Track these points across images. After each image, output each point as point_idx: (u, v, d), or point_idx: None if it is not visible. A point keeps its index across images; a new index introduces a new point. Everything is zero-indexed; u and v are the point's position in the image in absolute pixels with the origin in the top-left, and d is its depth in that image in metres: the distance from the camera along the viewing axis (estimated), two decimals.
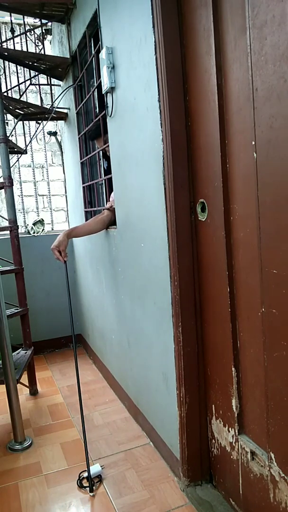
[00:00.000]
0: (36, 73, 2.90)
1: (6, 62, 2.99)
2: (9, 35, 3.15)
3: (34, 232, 3.22)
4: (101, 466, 1.68)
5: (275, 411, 1.11)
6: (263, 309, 1.12)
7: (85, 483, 1.61)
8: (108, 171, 2.20)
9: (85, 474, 1.63)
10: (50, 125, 3.44)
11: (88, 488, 1.57)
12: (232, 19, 1.11)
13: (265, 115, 1.01)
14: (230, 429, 1.36)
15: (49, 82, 3.01)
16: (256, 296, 1.15)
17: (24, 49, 3.22)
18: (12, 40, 3.06)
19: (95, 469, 1.65)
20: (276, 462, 1.13)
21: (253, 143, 1.07)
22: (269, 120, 1.00)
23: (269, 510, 1.19)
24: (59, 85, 3.13)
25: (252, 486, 1.27)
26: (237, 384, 1.30)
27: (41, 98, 3.02)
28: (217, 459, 1.48)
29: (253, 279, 1.16)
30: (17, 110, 2.82)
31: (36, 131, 3.14)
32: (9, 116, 3.05)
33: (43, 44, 3.06)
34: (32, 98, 3.78)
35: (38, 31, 3.18)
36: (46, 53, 3.00)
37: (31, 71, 2.87)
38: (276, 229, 1.03)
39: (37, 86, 3.14)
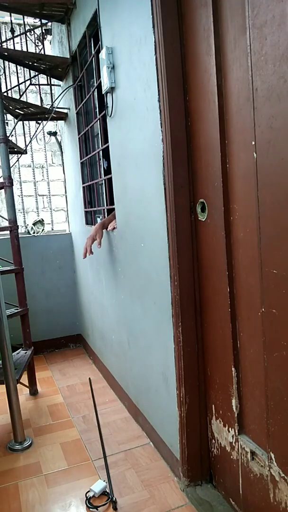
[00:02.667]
0: (36, 73, 2.90)
1: (6, 62, 2.98)
2: (9, 35, 3.15)
3: (34, 232, 3.22)
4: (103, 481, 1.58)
5: (275, 411, 1.11)
6: (263, 309, 1.12)
7: (94, 502, 1.50)
8: (108, 171, 2.20)
9: (91, 494, 1.53)
10: (50, 125, 3.44)
11: (99, 509, 1.47)
12: (232, 19, 1.11)
13: (265, 115, 1.01)
14: (230, 429, 1.36)
15: (49, 82, 3.01)
16: (256, 296, 1.15)
17: (24, 49, 3.22)
18: (12, 40, 3.06)
19: (99, 486, 1.54)
20: (276, 462, 1.13)
21: (253, 143, 1.07)
22: (269, 120, 1.00)
23: (269, 510, 1.19)
24: (59, 85, 3.13)
25: (252, 486, 1.27)
26: (237, 384, 1.30)
27: (41, 98, 3.02)
28: (217, 459, 1.48)
29: (253, 279, 1.16)
30: (17, 110, 2.82)
31: (36, 131, 3.14)
32: (9, 116, 3.05)
33: (43, 44, 3.06)
34: (32, 98, 3.78)
35: (38, 31, 3.18)
36: (46, 53, 3.00)
37: (31, 71, 2.87)
38: (276, 229, 1.03)
39: (37, 86, 3.14)
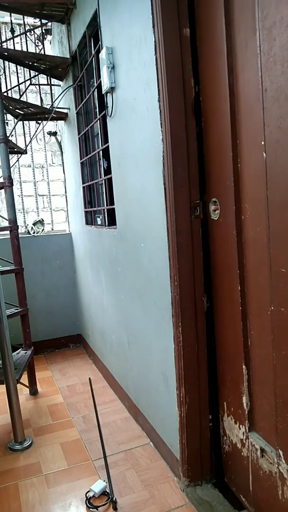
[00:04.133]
0: (36, 73, 2.90)
1: (6, 62, 2.98)
2: (9, 35, 3.15)
3: (34, 232, 3.22)
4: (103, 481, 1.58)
5: (284, 408, 1.12)
6: (272, 308, 1.13)
7: (94, 502, 1.50)
8: (108, 171, 2.20)
9: (91, 494, 1.53)
10: (50, 125, 3.44)
11: (99, 509, 1.48)
12: (243, 20, 1.12)
13: (273, 116, 1.02)
14: (240, 426, 1.37)
15: (49, 82, 3.01)
16: (266, 294, 1.16)
17: (24, 49, 3.22)
18: (12, 40, 3.06)
19: (99, 486, 1.54)
20: (284, 460, 1.14)
21: (263, 143, 1.08)
22: (278, 120, 1.01)
23: (278, 507, 1.19)
24: (59, 85, 3.13)
25: (261, 483, 1.28)
26: (247, 382, 1.31)
27: (41, 98, 3.02)
28: (228, 455, 1.49)
29: (263, 277, 1.17)
30: (17, 110, 2.82)
31: (36, 131, 3.14)
32: (9, 116, 3.05)
33: (43, 44, 3.05)
34: (32, 98, 3.78)
35: (38, 31, 3.18)
36: (46, 53, 3.00)
37: (31, 71, 2.87)
38: (284, 229, 1.04)
39: (37, 86, 3.14)
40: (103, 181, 2.32)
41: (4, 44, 3.06)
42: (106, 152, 2.23)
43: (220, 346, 1.47)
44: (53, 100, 3.06)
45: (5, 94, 2.79)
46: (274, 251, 1.09)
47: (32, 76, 2.88)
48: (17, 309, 2.41)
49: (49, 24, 3.11)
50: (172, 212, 1.41)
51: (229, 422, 1.45)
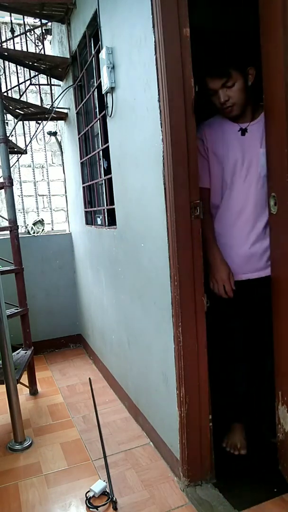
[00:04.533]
0: (36, 73, 2.90)
1: (6, 62, 2.98)
2: (9, 35, 3.15)
3: (34, 232, 3.22)
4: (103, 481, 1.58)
5: None
6: None
7: (94, 502, 1.50)
8: (108, 171, 2.20)
9: (91, 494, 1.53)
10: (50, 125, 3.44)
11: (99, 509, 1.47)
12: None
13: None
14: None
15: (49, 82, 3.01)
16: None
17: (24, 49, 3.22)
18: (12, 40, 3.06)
19: (99, 486, 1.54)
20: None
21: None
22: None
23: None
24: (59, 85, 3.13)
25: None
26: None
27: (41, 98, 3.02)
28: (282, 443, 1.52)
29: None
30: (17, 110, 2.82)
31: (36, 131, 3.14)
32: (9, 116, 3.05)
33: (43, 44, 3.06)
34: (32, 98, 3.77)
35: (38, 31, 3.18)
36: (46, 53, 3.00)
37: (31, 71, 2.87)
38: None
39: (37, 86, 3.14)
40: (103, 181, 2.31)
41: (4, 44, 3.06)
42: (106, 152, 2.23)
43: (276, 338, 1.52)
44: (53, 100, 3.06)
45: (5, 94, 2.79)
46: None
47: (32, 76, 2.88)
48: (17, 309, 2.41)
49: (49, 24, 3.11)
50: (172, 212, 1.41)
51: (283, 411, 1.49)
